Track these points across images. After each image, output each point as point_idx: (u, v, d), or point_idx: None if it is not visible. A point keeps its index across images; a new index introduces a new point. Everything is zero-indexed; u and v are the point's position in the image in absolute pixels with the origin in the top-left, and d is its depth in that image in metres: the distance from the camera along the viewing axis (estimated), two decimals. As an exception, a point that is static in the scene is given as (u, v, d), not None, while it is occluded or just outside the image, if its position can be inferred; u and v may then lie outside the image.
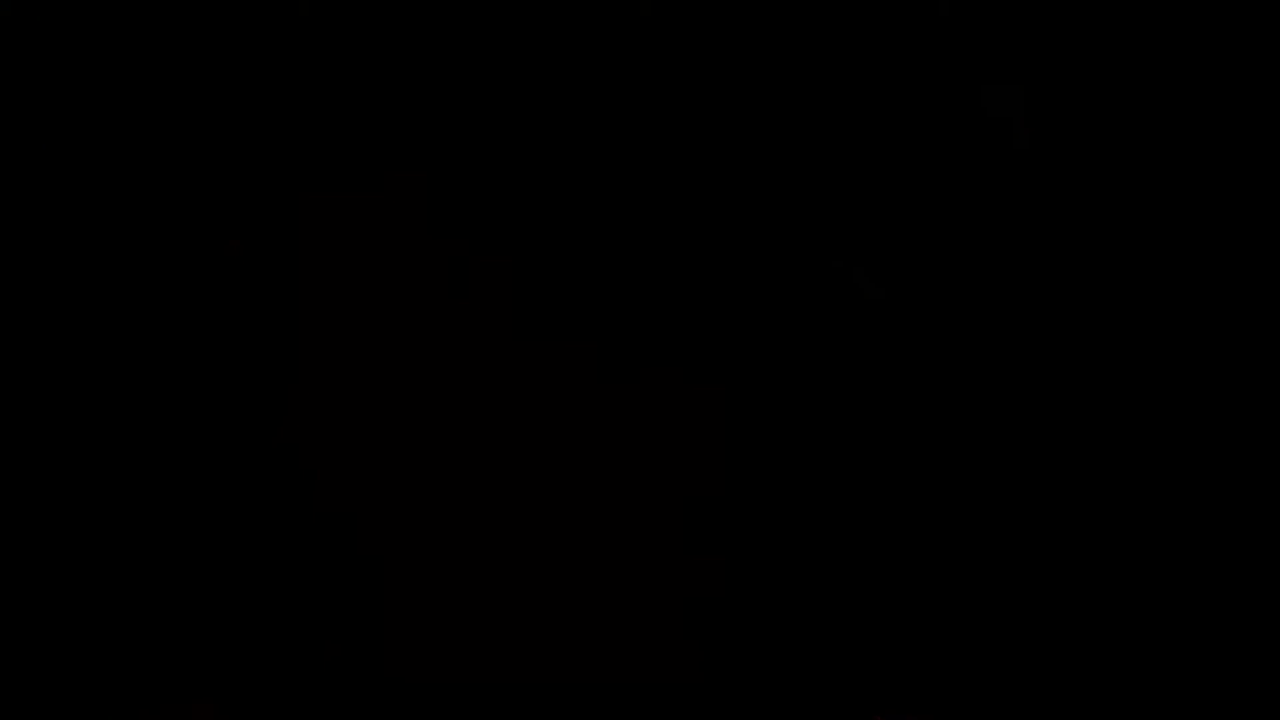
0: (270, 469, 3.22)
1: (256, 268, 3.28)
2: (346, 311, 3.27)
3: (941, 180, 3.31)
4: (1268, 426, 3.22)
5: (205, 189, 3.30)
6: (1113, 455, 3.23)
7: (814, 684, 3.18)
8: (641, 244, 3.30)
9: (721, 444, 3.24)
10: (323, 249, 3.28)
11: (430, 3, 3.33)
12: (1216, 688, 3.15)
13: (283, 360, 3.26)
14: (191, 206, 3.30)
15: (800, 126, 3.33)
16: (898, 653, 3.18)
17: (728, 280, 3.29)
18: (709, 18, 3.33)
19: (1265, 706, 3.13)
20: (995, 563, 3.21)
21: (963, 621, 3.19)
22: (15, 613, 3.15)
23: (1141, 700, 3.15)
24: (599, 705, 3.16)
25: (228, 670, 3.16)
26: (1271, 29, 3.30)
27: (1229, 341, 3.25)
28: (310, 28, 3.31)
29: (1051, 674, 3.17)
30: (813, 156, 3.32)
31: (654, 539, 3.21)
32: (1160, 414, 3.24)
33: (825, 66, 3.33)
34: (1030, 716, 3.16)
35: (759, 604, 3.20)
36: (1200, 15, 3.31)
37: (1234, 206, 3.30)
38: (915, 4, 3.32)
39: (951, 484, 3.23)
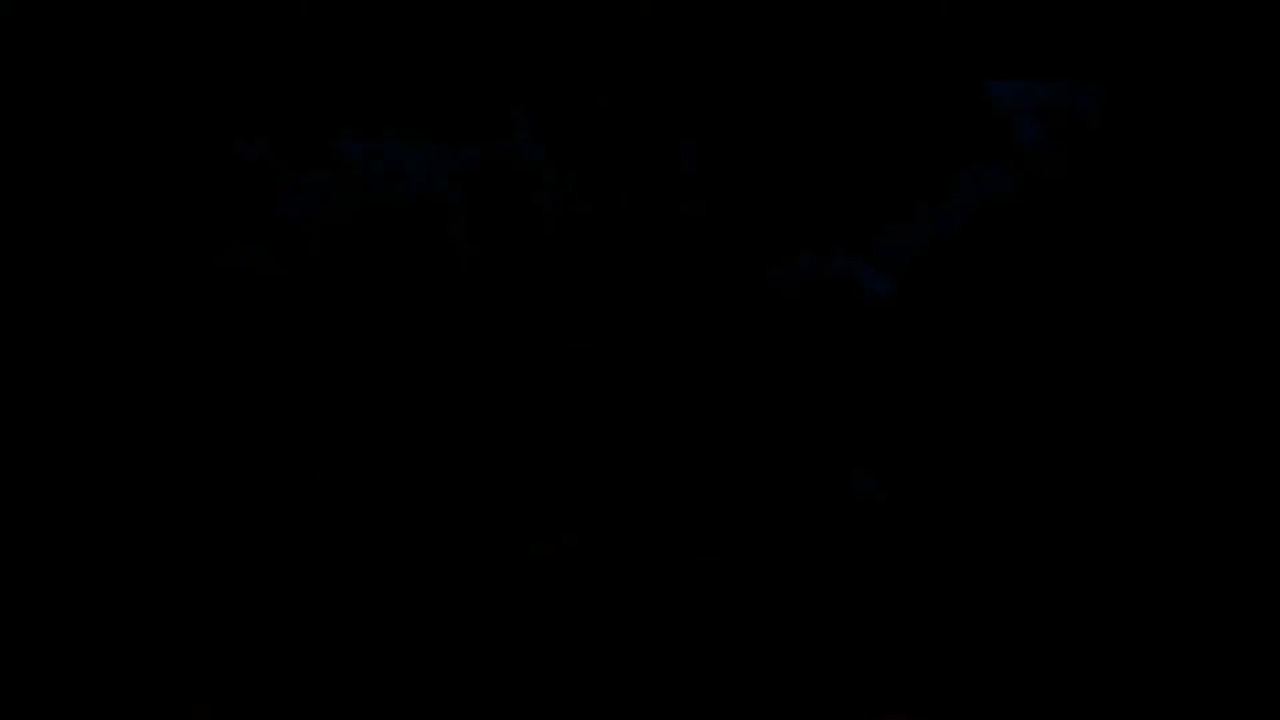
0: (270, 469, 3.23)
1: (256, 268, 3.28)
2: (347, 311, 3.27)
3: (943, 177, 3.32)
4: (1267, 426, 3.23)
5: (204, 188, 3.31)
6: (1113, 455, 3.23)
7: (814, 684, 3.18)
8: (642, 244, 3.30)
9: (721, 444, 3.25)
10: (323, 248, 3.29)
11: (431, 2, 3.34)
12: (1216, 687, 3.15)
13: (283, 360, 3.26)
14: (191, 206, 3.30)
15: (802, 125, 3.34)
16: (898, 653, 3.19)
17: (728, 281, 3.29)
18: (710, 20, 3.33)
19: (1265, 706, 3.14)
20: (995, 562, 3.21)
21: (963, 621, 3.19)
22: (15, 613, 3.16)
23: (1141, 700, 3.15)
24: (599, 705, 3.17)
25: (228, 670, 3.16)
26: (1271, 29, 3.30)
27: (1229, 341, 3.26)
28: (308, 28, 3.32)
29: (1052, 674, 3.17)
30: (814, 155, 3.33)
31: (654, 539, 3.21)
32: (1159, 414, 3.24)
33: (827, 66, 3.33)
34: (1030, 716, 3.16)
35: (759, 604, 3.21)
36: (1201, 13, 3.31)
37: (1237, 206, 3.30)
38: (916, 3, 3.33)
39: (950, 483, 3.23)
